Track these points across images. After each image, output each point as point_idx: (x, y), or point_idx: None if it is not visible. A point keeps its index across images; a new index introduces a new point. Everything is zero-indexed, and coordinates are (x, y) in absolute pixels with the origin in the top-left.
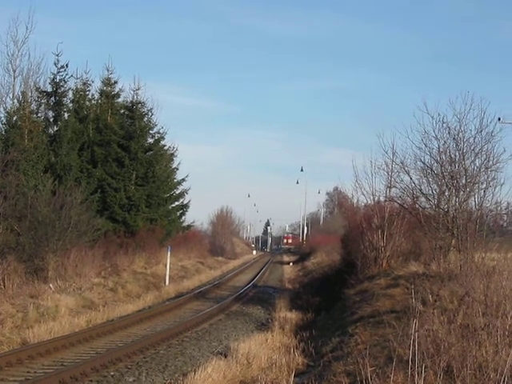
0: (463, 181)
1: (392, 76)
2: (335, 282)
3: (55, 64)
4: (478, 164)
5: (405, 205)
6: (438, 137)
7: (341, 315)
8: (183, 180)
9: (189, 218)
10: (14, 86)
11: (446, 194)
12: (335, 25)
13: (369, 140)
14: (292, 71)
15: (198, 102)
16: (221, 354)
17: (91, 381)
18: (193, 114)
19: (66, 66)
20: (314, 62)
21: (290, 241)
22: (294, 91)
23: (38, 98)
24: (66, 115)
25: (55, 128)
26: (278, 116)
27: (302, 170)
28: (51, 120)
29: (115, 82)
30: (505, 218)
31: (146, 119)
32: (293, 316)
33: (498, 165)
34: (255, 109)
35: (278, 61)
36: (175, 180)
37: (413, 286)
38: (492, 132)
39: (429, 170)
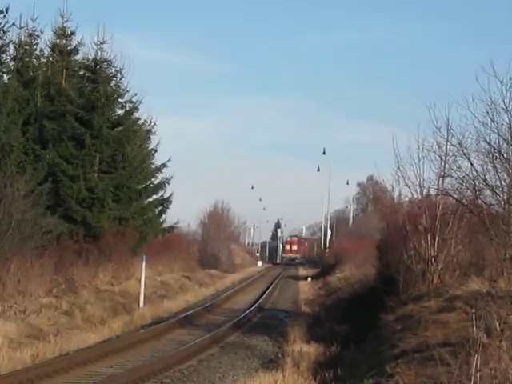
0: None
1: (447, 26)
2: (369, 304)
3: None
4: None
5: (463, 200)
6: (509, 109)
7: (376, 349)
8: (164, 166)
9: (171, 217)
10: None
11: None
12: None
13: (415, 113)
14: (305, 20)
15: (183, 61)
16: None
17: None
18: (177, 75)
19: (6, 10)
20: (334, 6)
21: (294, 247)
22: (307, 46)
23: None
24: (5, 77)
25: None
26: (288, 80)
27: (324, 153)
28: None
29: (72, 34)
30: None
31: (113, 83)
32: (311, 350)
33: None
34: (260, 71)
35: (285, 6)
36: (153, 166)
37: (474, 310)
38: None
39: (496, 154)
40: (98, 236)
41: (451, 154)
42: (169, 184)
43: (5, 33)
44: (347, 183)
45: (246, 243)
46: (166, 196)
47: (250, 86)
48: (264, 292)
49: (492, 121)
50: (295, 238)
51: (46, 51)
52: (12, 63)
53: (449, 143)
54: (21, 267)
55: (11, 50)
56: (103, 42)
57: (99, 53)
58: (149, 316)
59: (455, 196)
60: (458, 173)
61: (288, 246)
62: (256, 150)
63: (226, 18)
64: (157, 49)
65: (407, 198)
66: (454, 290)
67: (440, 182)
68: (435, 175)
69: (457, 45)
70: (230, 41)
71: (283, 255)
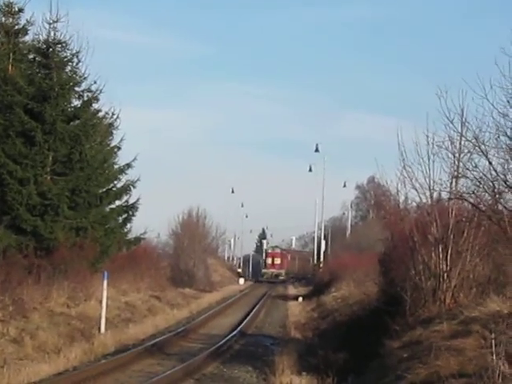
0: None
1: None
2: (370, 328)
3: None
4: None
5: (481, 205)
6: None
7: (379, 381)
8: (128, 166)
9: (138, 227)
10: None
11: None
12: None
13: (423, 102)
14: None
15: (151, 41)
16: None
17: None
18: (143, 59)
19: None
20: None
21: (277, 261)
22: (299, 24)
23: None
24: None
25: None
26: (275, 64)
27: (316, 150)
28: None
29: (20, 11)
30: None
31: (69, 69)
32: (303, 382)
33: None
34: (240, 52)
35: None
36: (116, 166)
37: (493, 335)
38: None
39: None
40: (51, 249)
41: (466, 150)
42: (134, 187)
43: None
44: (344, 185)
45: (226, 257)
46: (131, 202)
47: (233, 70)
48: (247, 314)
49: None
50: (278, 250)
51: None
52: None
53: (463, 138)
54: None
55: None
56: (57, 21)
57: (52, 33)
58: (112, 343)
59: (471, 200)
60: (475, 173)
61: (269, 260)
62: (237, 147)
63: None
64: (119, 28)
65: (415, 203)
66: (469, 311)
67: (453, 183)
68: (447, 176)
69: (471, 21)
70: (209, 16)
71: (264, 271)
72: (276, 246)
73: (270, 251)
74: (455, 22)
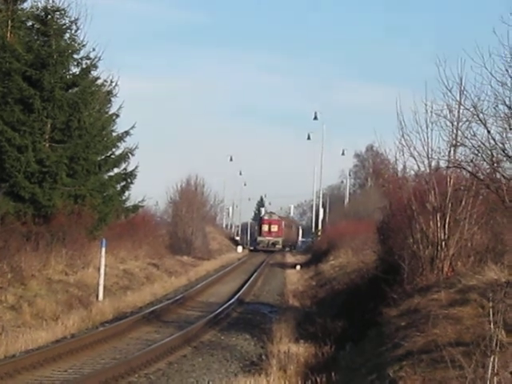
0: None
1: None
2: (368, 296)
3: None
4: None
5: (479, 173)
6: None
7: (377, 349)
8: (127, 133)
9: (136, 195)
10: None
11: None
12: None
13: (422, 71)
14: None
15: (148, 8)
16: None
17: None
18: (143, 28)
19: None
20: None
21: (274, 228)
22: None
23: None
24: None
25: None
26: (271, 31)
27: (315, 118)
28: None
29: None
30: None
31: (67, 37)
32: (300, 350)
33: None
34: (236, 20)
35: None
36: (114, 134)
37: (491, 304)
38: None
39: None
40: (49, 217)
41: (464, 119)
42: (133, 155)
43: None
44: (343, 153)
45: (224, 225)
46: (129, 169)
47: (230, 38)
48: (245, 282)
49: None
50: (275, 217)
51: None
52: None
53: (462, 107)
54: None
55: None
56: None
57: (51, 0)
58: (109, 311)
59: (469, 169)
60: (473, 141)
61: (266, 227)
62: (235, 116)
63: None
64: None
65: (413, 172)
66: (467, 279)
67: (451, 152)
68: (446, 144)
69: None
70: None
71: (259, 239)
72: (273, 213)
73: (266, 218)
74: None
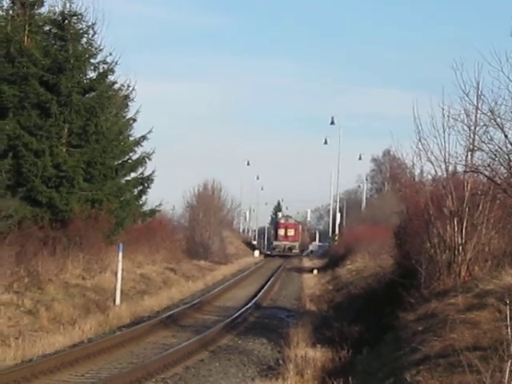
0: None
1: None
2: (385, 300)
3: None
4: None
5: (496, 178)
6: None
7: (394, 353)
8: (144, 138)
9: (153, 199)
10: None
11: None
12: None
13: (439, 75)
14: None
15: (168, 14)
16: None
17: None
18: (160, 32)
19: None
20: None
21: (291, 232)
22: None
23: None
24: None
25: None
26: (292, 35)
27: (332, 123)
28: None
29: None
30: None
31: (84, 41)
32: (317, 355)
33: None
34: (257, 24)
35: None
36: (131, 138)
37: (509, 308)
38: None
39: None
40: (66, 221)
41: (482, 123)
42: (150, 160)
43: None
44: (359, 158)
45: (241, 230)
46: (146, 174)
47: (246, 43)
48: (262, 287)
49: None
50: (292, 220)
51: (5, 3)
52: None
53: (479, 111)
54: None
55: None
56: None
57: (68, 5)
58: (126, 315)
59: (486, 173)
60: (490, 146)
61: (282, 231)
62: (253, 120)
63: None
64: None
65: (430, 176)
66: (485, 283)
67: (469, 156)
68: (463, 149)
69: None
70: None
71: (275, 243)
72: (289, 216)
73: (282, 221)
74: None
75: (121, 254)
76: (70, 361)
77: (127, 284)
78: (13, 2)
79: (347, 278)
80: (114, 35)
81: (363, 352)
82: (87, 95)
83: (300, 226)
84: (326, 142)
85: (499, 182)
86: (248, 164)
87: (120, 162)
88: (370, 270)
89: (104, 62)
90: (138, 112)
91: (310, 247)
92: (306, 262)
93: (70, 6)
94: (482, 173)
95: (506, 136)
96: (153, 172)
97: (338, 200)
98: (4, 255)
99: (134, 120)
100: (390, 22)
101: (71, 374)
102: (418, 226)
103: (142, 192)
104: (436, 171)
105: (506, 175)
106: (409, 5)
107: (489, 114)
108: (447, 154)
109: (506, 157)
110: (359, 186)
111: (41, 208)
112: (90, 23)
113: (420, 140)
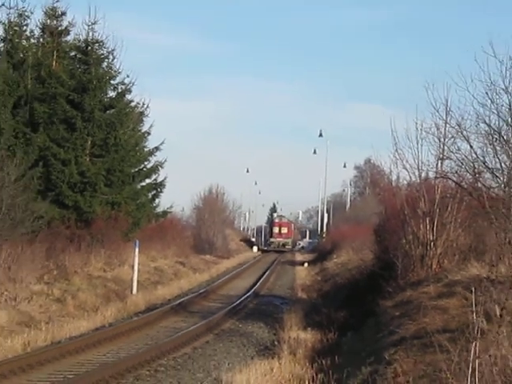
0: None
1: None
2: (366, 290)
3: None
4: None
5: (463, 183)
6: (509, 89)
7: (374, 336)
8: (157, 149)
9: (165, 202)
10: None
11: None
12: None
13: (413, 94)
14: None
15: (178, 41)
16: None
17: None
18: (170, 57)
19: None
20: None
21: (284, 230)
22: (309, 22)
23: None
24: None
25: None
26: (288, 58)
27: (320, 135)
28: None
29: (63, 14)
30: None
31: (105, 65)
32: (308, 337)
33: None
34: (256, 49)
35: None
36: (146, 149)
37: (473, 296)
38: None
39: (496, 136)
40: (89, 221)
41: (450, 135)
42: (162, 168)
43: None
44: (344, 166)
45: (242, 228)
46: (159, 180)
47: (246, 65)
48: (260, 278)
49: (492, 102)
50: (285, 220)
51: (36, 32)
52: (1, 44)
53: (448, 125)
54: (11, 253)
55: (0, 31)
56: (95, 23)
57: (90, 33)
58: (142, 303)
59: (454, 179)
60: (457, 155)
61: (276, 229)
62: (252, 133)
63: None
64: (150, 28)
65: (405, 182)
66: (453, 275)
67: (439, 164)
68: (434, 158)
69: (456, 22)
70: (225, 19)
71: (271, 240)
72: (283, 216)
73: (276, 220)
74: (448, 22)
75: (137, 250)
76: (94, 342)
77: (142, 276)
78: (43, 31)
79: (334, 270)
80: (130, 60)
81: (348, 334)
82: (108, 112)
83: (292, 225)
84: (314, 152)
85: (465, 186)
86: (248, 171)
87: (136, 169)
88: (354, 263)
89: (122, 83)
90: (151, 126)
91: (301, 243)
92: (298, 257)
93: (93, 34)
94: (450, 178)
95: (471, 146)
96: (165, 178)
97: (326, 202)
98: (36, 251)
99: (149, 133)
100: (371, 51)
101: (94, 353)
102: (395, 224)
103: (156, 196)
104: (410, 177)
105: (471, 180)
106: (388, 37)
107: (456, 127)
108: (420, 162)
109: (471, 164)
110: (344, 190)
111: (67, 210)
112: (110, 49)
113: (396, 150)
